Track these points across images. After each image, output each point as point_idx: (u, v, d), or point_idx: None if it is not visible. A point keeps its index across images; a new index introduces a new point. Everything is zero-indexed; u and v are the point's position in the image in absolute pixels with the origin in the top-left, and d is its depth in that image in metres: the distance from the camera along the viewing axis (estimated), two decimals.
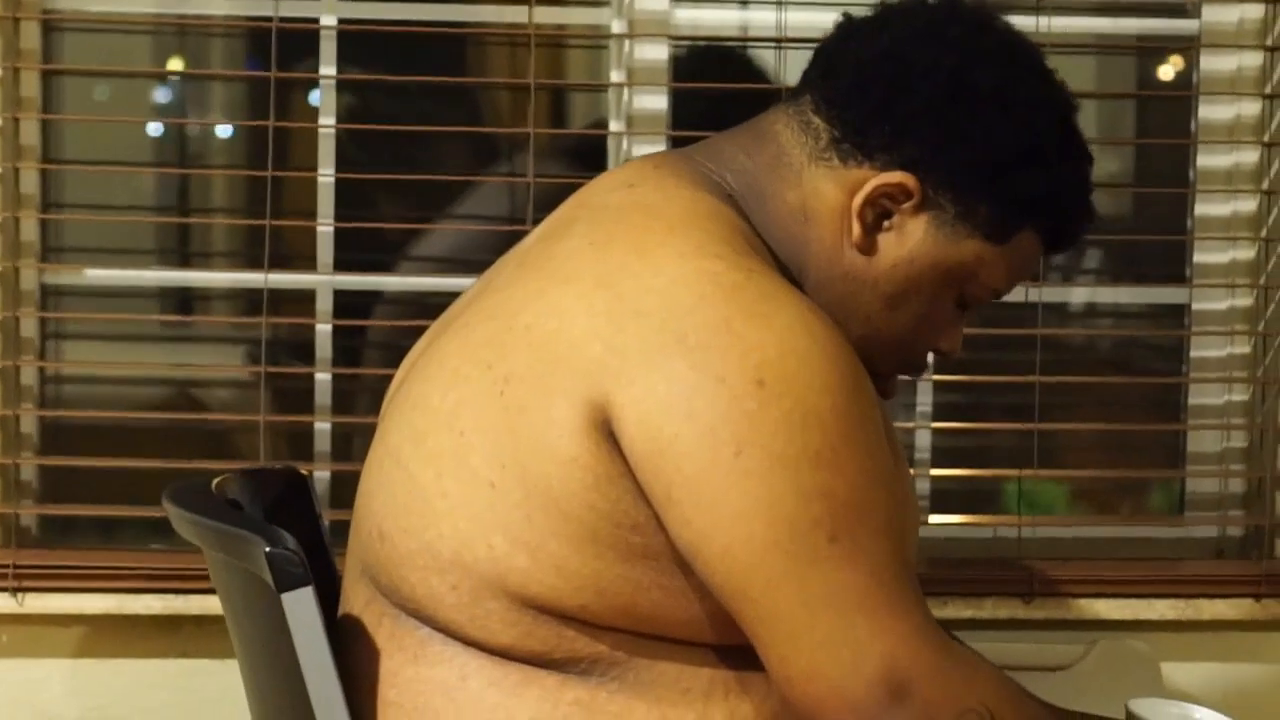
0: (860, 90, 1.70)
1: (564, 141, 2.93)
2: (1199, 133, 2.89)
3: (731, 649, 1.60)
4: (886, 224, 1.70)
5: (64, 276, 2.82)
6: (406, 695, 1.64)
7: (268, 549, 1.60)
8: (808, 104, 1.73)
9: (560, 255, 1.65)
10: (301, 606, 1.60)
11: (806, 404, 1.52)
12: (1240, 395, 2.89)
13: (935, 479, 2.87)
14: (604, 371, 1.54)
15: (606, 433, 1.54)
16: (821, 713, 1.52)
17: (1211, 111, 2.89)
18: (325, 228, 2.80)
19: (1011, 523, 2.81)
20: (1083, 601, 2.72)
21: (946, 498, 2.89)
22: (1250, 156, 2.87)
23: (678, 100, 2.81)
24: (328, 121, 2.79)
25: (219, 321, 2.96)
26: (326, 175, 2.80)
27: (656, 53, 2.81)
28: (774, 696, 1.59)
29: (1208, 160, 2.89)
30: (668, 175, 1.71)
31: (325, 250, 2.80)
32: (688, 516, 1.52)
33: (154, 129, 2.93)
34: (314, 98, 2.84)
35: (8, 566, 2.62)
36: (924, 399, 2.87)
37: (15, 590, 2.63)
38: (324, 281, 2.81)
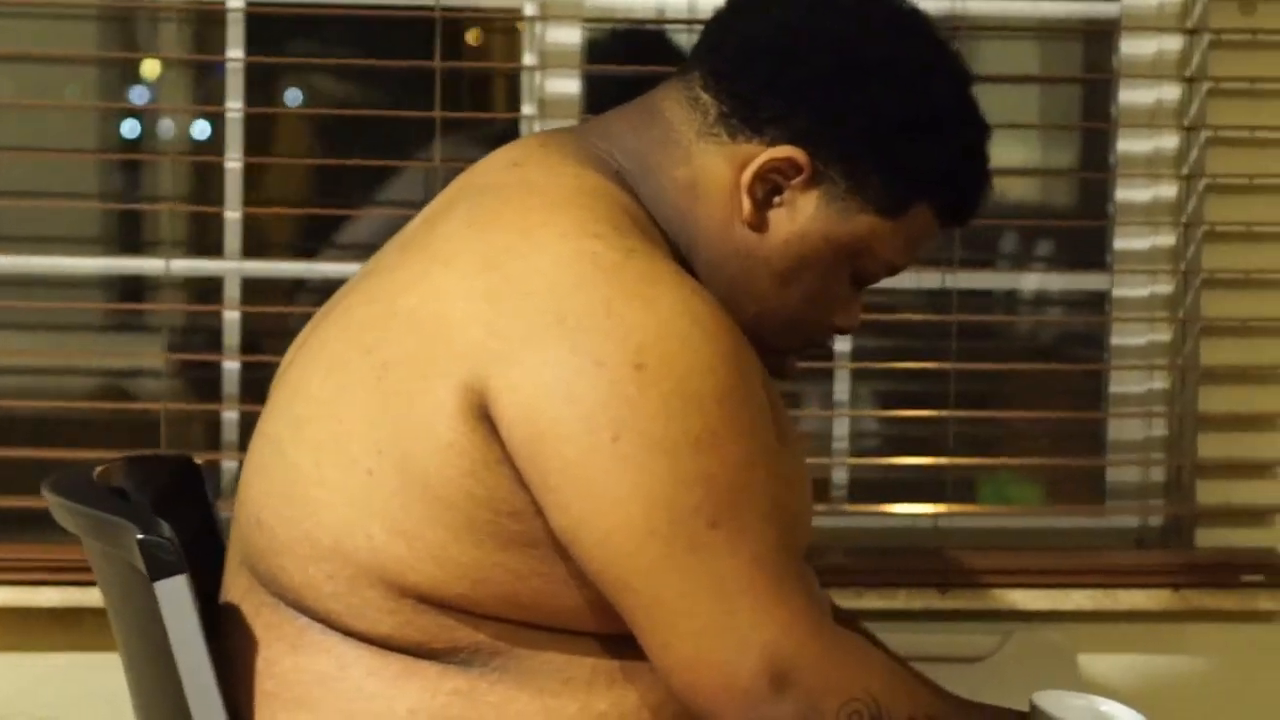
0: (748, 63, 1.67)
1: (491, 128, 2.88)
2: (1119, 117, 2.86)
3: (616, 638, 1.56)
4: (777, 199, 1.66)
5: None
6: (284, 686, 1.61)
7: (140, 536, 1.56)
8: (696, 80, 1.69)
9: (442, 236, 1.61)
10: (175, 595, 1.56)
11: (687, 387, 1.49)
12: (1161, 383, 2.86)
13: (855, 467, 2.84)
14: (483, 355, 1.50)
15: (484, 417, 1.51)
16: (703, 702, 1.49)
17: (1132, 96, 2.86)
18: (233, 214, 2.76)
19: (928, 513, 2.78)
20: (998, 592, 2.70)
21: (868, 487, 2.85)
22: (1171, 141, 2.84)
23: (591, 84, 2.77)
24: (234, 105, 2.75)
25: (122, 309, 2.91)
26: (234, 160, 2.76)
27: (569, 36, 2.77)
28: (660, 686, 1.55)
29: (1128, 145, 2.86)
30: (554, 153, 1.68)
31: (233, 237, 2.76)
32: (565, 503, 1.49)
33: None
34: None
35: None
36: (841, 386, 2.84)
37: None
38: (231, 269, 2.77)
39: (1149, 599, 2.73)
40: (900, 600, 2.70)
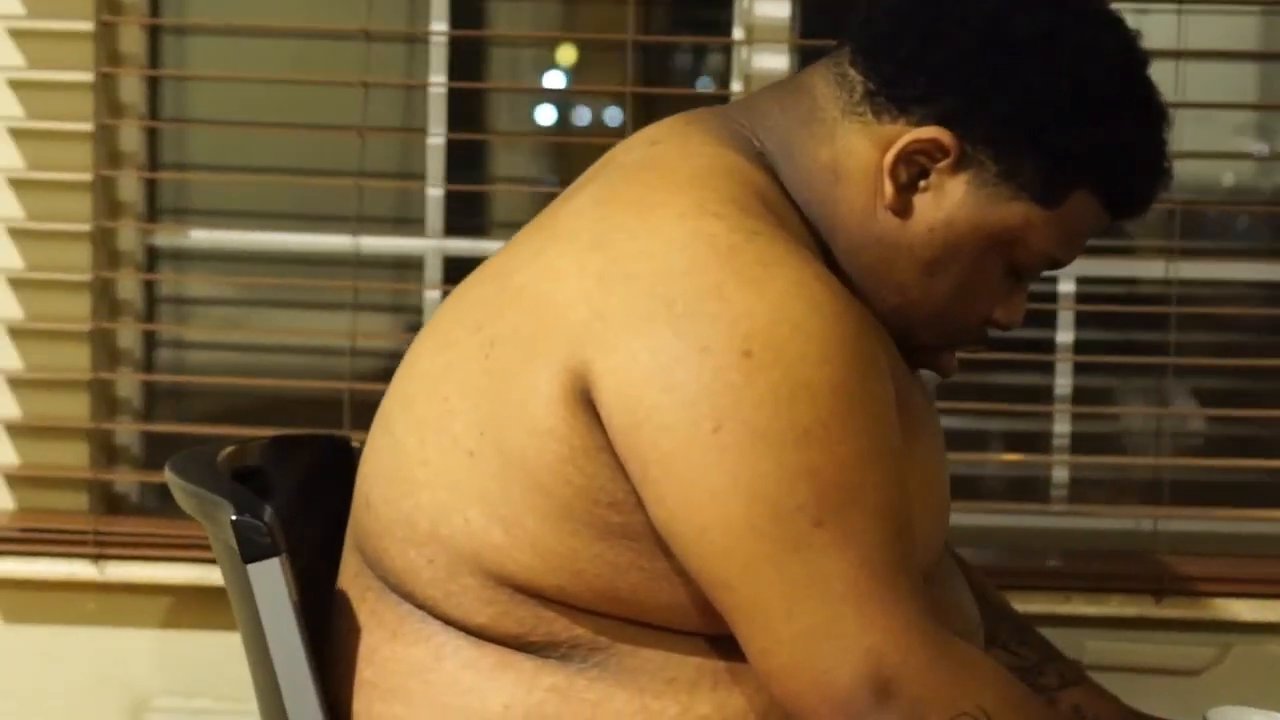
0: (895, 39, 1.58)
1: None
2: None
3: (723, 638, 1.48)
4: (923, 184, 1.57)
5: (173, 238, 2.79)
6: (382, 675, 1.56)
7: (233, 517, 1.51)
8: (845, 55, 1.60)
9: (566, 213, 1.56)
10: (267, 578, 1.52)
11: (796, 376, 1.40)
12: None
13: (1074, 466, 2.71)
14: (588, 337, 1.44)
15: (586, 403, 1.44)
16: (804, 710, 1.41)
17: None
18: (435, 191, 2.74)
19: (1146, 514, 2.62)
20: (1218, 601, 2.53)
21: (1083, 486, 2.71)
22: None
23: (803, 59, 2.67)
24: (438, 80, 2.73)
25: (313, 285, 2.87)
26: (437, 136, 2.74)
27: (778, 9, 2.68)
28: (767, 690, 1.46)
29: None
30: (696, 132, 1.60)
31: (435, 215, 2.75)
32: (663, 495, 1.42)
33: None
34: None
35: (88, 534, 2.59)
36: (1062, 381, 2.71)
37: (96, 558, 2.60)
38: (432, 247, 2.75)
39: None
40: (1112, 606, 2.55)
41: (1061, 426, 2.71)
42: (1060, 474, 2.70)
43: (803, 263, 1.46)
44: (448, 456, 1.50)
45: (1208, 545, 2.65)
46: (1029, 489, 2.75)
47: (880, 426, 1.44)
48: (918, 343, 1.64)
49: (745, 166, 1.56)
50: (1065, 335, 2.70)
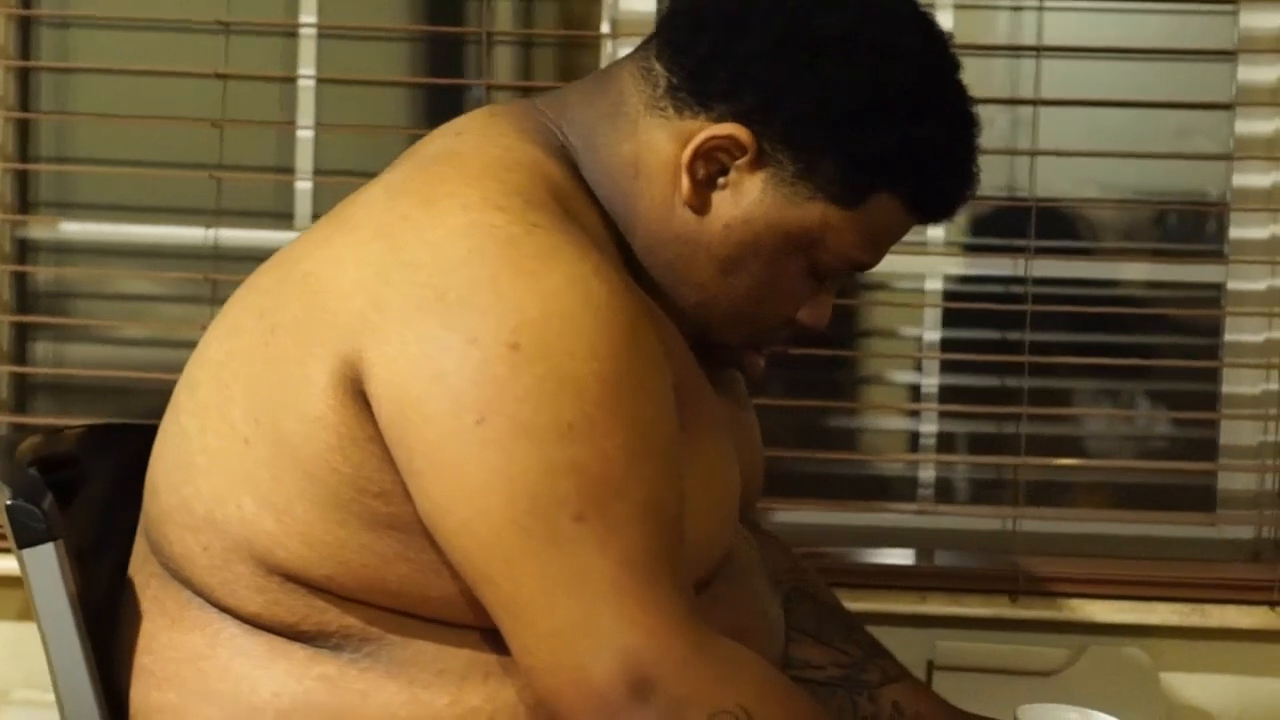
0: (698, 34, 1.57)
1: None
2: (1238, 96, 2.68)
3: (494, 630, 1.46)
4: (721, 181, 1.56)
5: (49, 231, 2.78)
6: (159, 662, 1.55)
7: (8, 502, 1.51)
8: (653, 50, 1.60)
9: (359, 202, 1.55)
10: (41, 565, 1.52)
11: (563, 371, 1.39)
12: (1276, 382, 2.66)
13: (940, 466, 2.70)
14: (363, 327, 1.43)
15: (357, 392, 1.43)
16: (562, 707, 1.39)
17: (1252, 74, 2.67)
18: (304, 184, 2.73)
19: (1004, 514, 2.62)
20: (1074, 602, 2.52)
21: (944, 487, 2.72)
22: None
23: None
24: (308, 72, 2.72)
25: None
26: (306, 129, 2.73)
27: None
28: None
29: (1246, 126, 2.67)
30: (499, 124, 1.60)
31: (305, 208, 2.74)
32: (428, 487, 1.41)
33: None
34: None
35: None
36: (930, 380, 2.71)
37: None
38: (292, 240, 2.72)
39: (1243, 616, 2.54)
40: (968, 607, 2.55)
41: (928, 426, 2.70)
42: (927, 474, 2.69)
43: (581, 257, 1.45)
44: (225, 443, 1.49)
45: (1065, 546, 2.64)
46: (898, 489, 2.74)
47: (651, 423, 1.44)
48: (720, 341, 1.64)
49: (542, 160, 1.56)
50: (932, 334, 2.71)
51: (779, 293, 1.61)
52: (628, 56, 1.63)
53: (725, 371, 1.72)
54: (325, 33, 2.73)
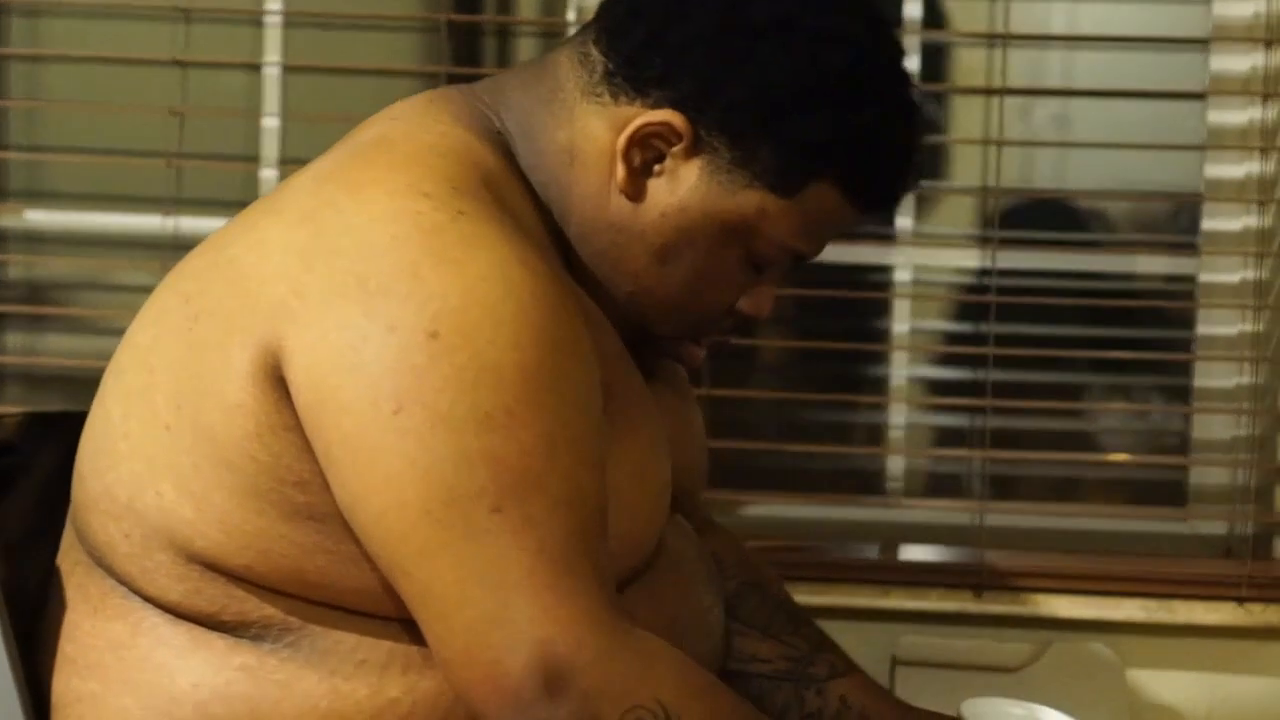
0: (635, 19, 1.56)
1: None
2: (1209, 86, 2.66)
3: (415, 621, 1.44)
4: (657, 168, 1.55)
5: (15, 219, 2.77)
6: (82, 651, 1.53)
7: None
8: (591, 33, 1.59)
9: (288, 188, 1.54)
10: None
11: (483, 360, 1.38)
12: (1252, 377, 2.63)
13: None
14: (284, 313, 1.42)
15: (277, 380, 1.42)
16: (476, 700, 1.38)
17: (1224, 63, 2.64)
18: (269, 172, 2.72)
19: (970, 508, 2.59)
20: (1038, 597, 2.50)
21: (911, 481, 2.70)
22: (1264, 113, 2.61)
23: None
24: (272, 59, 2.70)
25: None
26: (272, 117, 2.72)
27: None
28: None
29: (1219, 116, 2.65)
30: (435, 109, 1.59)
31: None
32: (345, 477, 1.40)
33: None
34: None
35: None
36: (899, 371, 2.70)
37: None
38: None
39: (1211, 612, 2.51)
40: (932, 601, 2.53)
41: (897, 418, 2.69)
42: (894, 466, 2.67)
43: (507, 245, 1.43)
44: (147, 429, 1.48)
45: (1032, 541, 2.62)
46: (866, 482, 2.73)
47: (574, 414, 1.42)
48: (658, 332, 1.62)
49: (476, 146, 1.54)
50: (901, 325, 2.69)
51: (716, 282, 1.60)
52: (566, 42, 1.62)
53: (664, 362, 1.71)
54: (293, 20, 2.72)
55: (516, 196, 1.54)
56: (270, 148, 2.72)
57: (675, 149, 1.54)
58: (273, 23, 2.72)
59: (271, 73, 2.72)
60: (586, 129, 1.56)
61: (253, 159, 2.73)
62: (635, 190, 1.55)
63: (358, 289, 1.39)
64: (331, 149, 1.60)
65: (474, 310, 1.38)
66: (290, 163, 2.70)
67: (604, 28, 1.58)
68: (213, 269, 1.50)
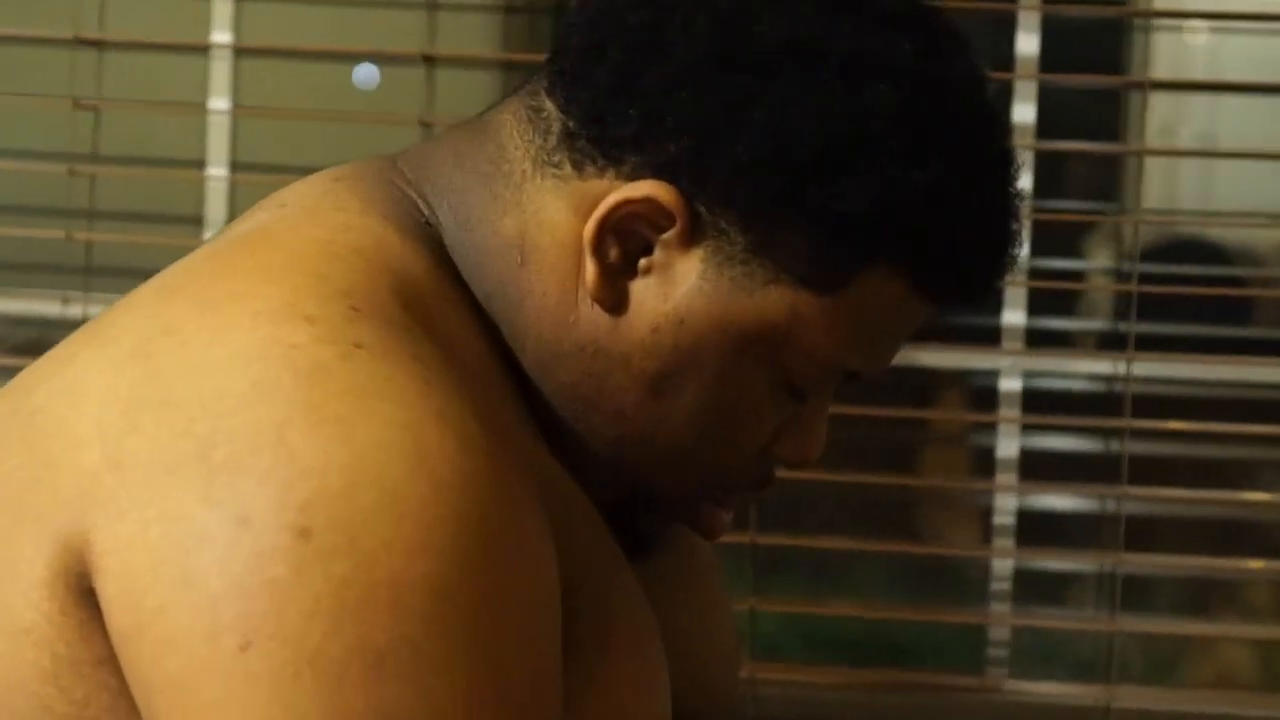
0: (597, 56, 1.16)
1: None
2: None
3: None
4: (643, 263, 1.15)
5: None
6: None
7: None
8: (543, 80, 1.19)
9: (128, 302, 1.16)
10: None
11: (376, 571, 1.01)
12: None
13: None
14: (94, 494, 1.05)
15: (84, 593, 1.06)
16: None
17: None
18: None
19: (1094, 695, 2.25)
20: None
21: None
22: None
23: None
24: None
25: None
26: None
27: None
28: None
29: None
30: (342, 191, 1.20)
31: None
32: None
33: None
34: None
35: None
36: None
37: None
38: None
39: None
40: None
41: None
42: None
43: (421, 395, 1.06)
44: None
45: None
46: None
47: (512, 649, 1.05)
48: (660, 492, 1.20)
49: (392, 244, 1.15)
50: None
51: (738, 418, 1.18)
52: (513, 93, 1.20)
53: (677, 528, 1.27)
54: None
55: (449, 314, 1.15)
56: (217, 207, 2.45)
57: (666, 235, 1.14)
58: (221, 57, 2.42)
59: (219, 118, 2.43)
60: (541, 213, 1.16)
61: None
62: (613, 297, 1.14)
63: (198, 460, 1.03)
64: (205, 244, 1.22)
65: (365, 495, 1.01)
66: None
67: (559, 72, 1.15)
68: (12, 420, 1.12)
